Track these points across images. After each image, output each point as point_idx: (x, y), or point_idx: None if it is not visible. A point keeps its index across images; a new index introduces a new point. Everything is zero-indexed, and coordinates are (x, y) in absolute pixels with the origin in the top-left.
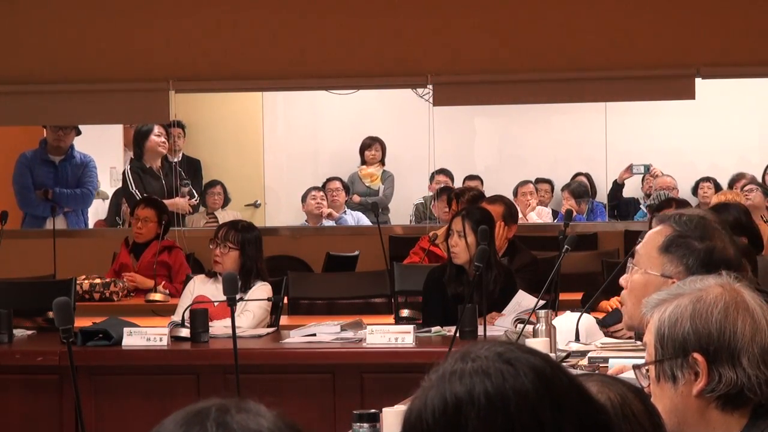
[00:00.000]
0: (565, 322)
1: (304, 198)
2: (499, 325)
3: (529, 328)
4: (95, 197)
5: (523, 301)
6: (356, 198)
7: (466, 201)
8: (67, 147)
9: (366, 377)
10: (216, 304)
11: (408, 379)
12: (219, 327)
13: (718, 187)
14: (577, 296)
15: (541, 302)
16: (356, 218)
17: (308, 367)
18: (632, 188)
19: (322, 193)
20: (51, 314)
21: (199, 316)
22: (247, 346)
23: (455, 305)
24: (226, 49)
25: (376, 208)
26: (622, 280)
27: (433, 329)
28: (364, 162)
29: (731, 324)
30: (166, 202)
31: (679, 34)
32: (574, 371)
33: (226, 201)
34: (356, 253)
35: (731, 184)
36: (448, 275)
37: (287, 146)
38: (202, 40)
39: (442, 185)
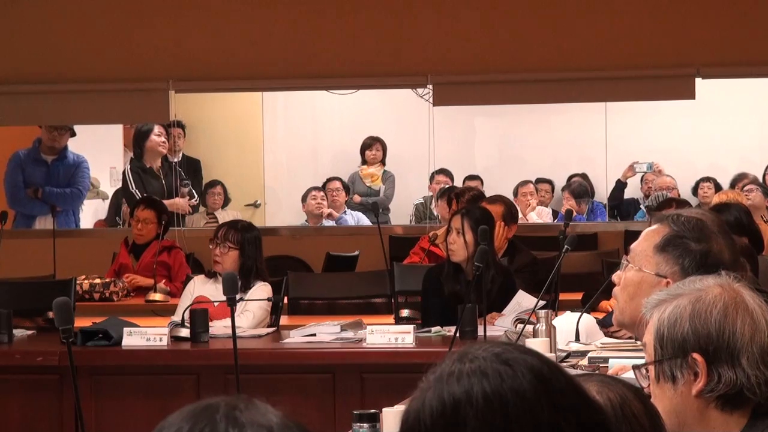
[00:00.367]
0: (565, 322)
1: (304, 198)
2: (499, 325)
3: (529, 328)
4: (87, 197)
5: (523, 301)
6: (357, 198)
7: (466, 201)
8: (61, 147)
9: (366, 377)
10: (216, 304)
11: (408, 379)
12: (219, 327)
13: (718, 187)
14: (577, 296)
15: (541, 302)
16: (356, 218)
17: (308, 367)
18: (632, 188)
19: (322, 193)
20: (51, 314)
21: (199, 316)
22: (247, 346)
23: (453, 304)
24: (226, 49)
25: (377, 208)
26: (615, 277)
27: (433, 329)
28: (364, 162)
29: (730, 324)
30: (166, 202)
31: (679, 34)
32: (574, 371)
33: (226, 201)
34: (356, 253)
35: (733, 184)
36: (445, 273)
37: (287, 146)
38: (202, 40)
39: (443, 185)
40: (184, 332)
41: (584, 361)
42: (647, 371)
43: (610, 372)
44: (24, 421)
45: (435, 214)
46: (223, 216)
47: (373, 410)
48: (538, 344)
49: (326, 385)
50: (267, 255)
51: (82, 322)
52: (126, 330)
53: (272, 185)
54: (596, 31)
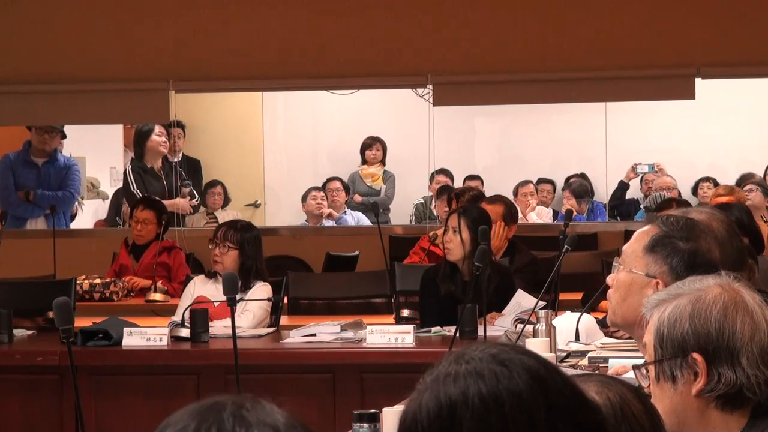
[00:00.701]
0: (565, 322)
1: (304, 198)
2: (499, 325)
3: (529, 328)
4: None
5: (522, 301)
6: (358, 198)
7: (466, 201)
8: (52, 149)
9: (366, 377)
10: (216, 304)
11: (408, 379)
12: (219, 327)
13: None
14: (577, 296)
15: (541, 302)
16: (356, 218)
17: (308, 367)
18: (632, 189)
19: (322, 193)
20: (51, 314)
21: (199, 316)
22: (247, 346)
23: (450, 305)
24: (226, 49)
25: (377, 207)
26: (609, 279)
27: (433, 329)
28: (364, 162)
29: (730, 324)
30: (167, 202)
31: (679, 34)
32: (574, 371)
33: (226, 201)
34: (356, 253)
35: (738, 184)
36: (441, 274)
37: (287, 146)
38: (202, 40)
39: (442, 185)
40: (184, 332)
41: (584, 361)
42: (647, 371)
43: (610, 372)
44: (24, 421)
45: (435, 214)
46: (223, 216)
47: (373, 410)
48: (538, 344)
49: (326, 385)
50: (267, 255)
51: (82, 322)
52: (126, 330)
53: (272, 185)
54: (596, 31)
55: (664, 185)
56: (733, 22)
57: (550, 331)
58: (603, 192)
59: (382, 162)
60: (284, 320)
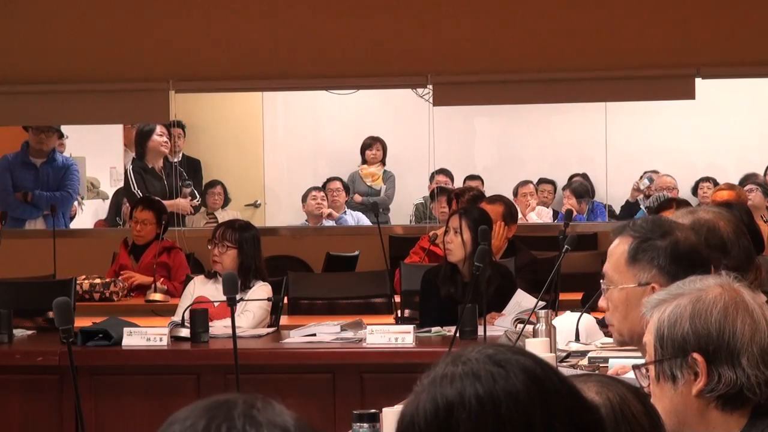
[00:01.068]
0: (565, 322)
1: (304, 198)
2: (499, 325)
3: (529, 328)
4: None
5: (522, 301)
6: (358, 197)
7: (466, 201)
8: (49, 150)
9: (366, 377)
10: (216, 304)
11: (408, 379)
12: (219, 327)
13: None
14: (577, 296)
15: (541, 302)
16: (356, 218)
17: (308, 367)
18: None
19: (322, 193)
20: (51, 314)
21: (199, 316)
22: (247, 346)
23: (450, 306)
24: (226, 49)
25: (377, 207)
26: (602, 302)
27: (433, 329)
28: (364, 162)
29: (731, 324)
30: (168, 202)
31: (679, 34)
32: (574, 371)
33: (226, 201)
34: (356, 253)
35: (741, 184)
36: (442, 275)
37: (287, 146)
38: (202, 40)
39: (441, 185)
40: (184, 332)
41: (584, 361)
42: (647, 371)
43: (610, 372)
44: (24, 421)
45: (434, 214)
46: (223, 216)
47: (373, 410)
48: (538, 344)
49: (326, 385)
50: (267, 255)
51: (82, 322)
52: (126, 330)
53: (272, 185)
54: (596, 31)
55: (664, 185)
56: (733, 22)
57: (550, 331)
58: (603, 192)
59: (382, 162)
60: (284, 320)
